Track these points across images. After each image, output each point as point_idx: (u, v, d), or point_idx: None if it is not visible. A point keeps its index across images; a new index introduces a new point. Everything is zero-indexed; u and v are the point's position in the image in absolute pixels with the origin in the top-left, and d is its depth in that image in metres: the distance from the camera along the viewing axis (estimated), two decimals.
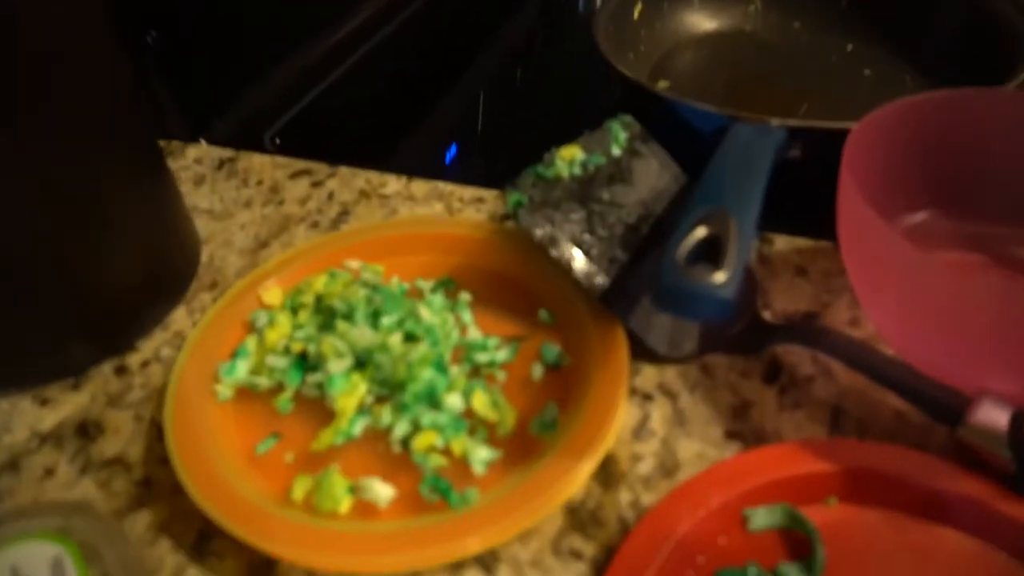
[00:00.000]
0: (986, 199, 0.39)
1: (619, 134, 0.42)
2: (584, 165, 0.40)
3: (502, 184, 0.39)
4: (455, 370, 0.34)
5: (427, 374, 0.33)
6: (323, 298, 0.37)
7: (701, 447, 0.33)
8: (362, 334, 0.34)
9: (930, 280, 0.31)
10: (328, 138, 0.59)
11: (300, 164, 0.52)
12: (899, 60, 0.59)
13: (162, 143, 0.55)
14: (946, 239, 0.40)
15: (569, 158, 0.40)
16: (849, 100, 0.57)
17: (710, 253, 0.29)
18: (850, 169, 0.33)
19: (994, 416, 0.29)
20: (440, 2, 0.77)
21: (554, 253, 0.36)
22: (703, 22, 0.66)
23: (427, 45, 0.73)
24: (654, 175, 0.42)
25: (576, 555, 0.29)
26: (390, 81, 0.68)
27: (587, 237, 0.37)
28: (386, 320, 0.35)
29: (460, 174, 0.52)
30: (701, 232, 0.30)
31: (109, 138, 0.37)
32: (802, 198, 0.39)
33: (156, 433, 0.35)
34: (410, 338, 0.35)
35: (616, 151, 0.41)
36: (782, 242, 0.43)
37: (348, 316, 0.35)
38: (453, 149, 0.61)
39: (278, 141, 0.57)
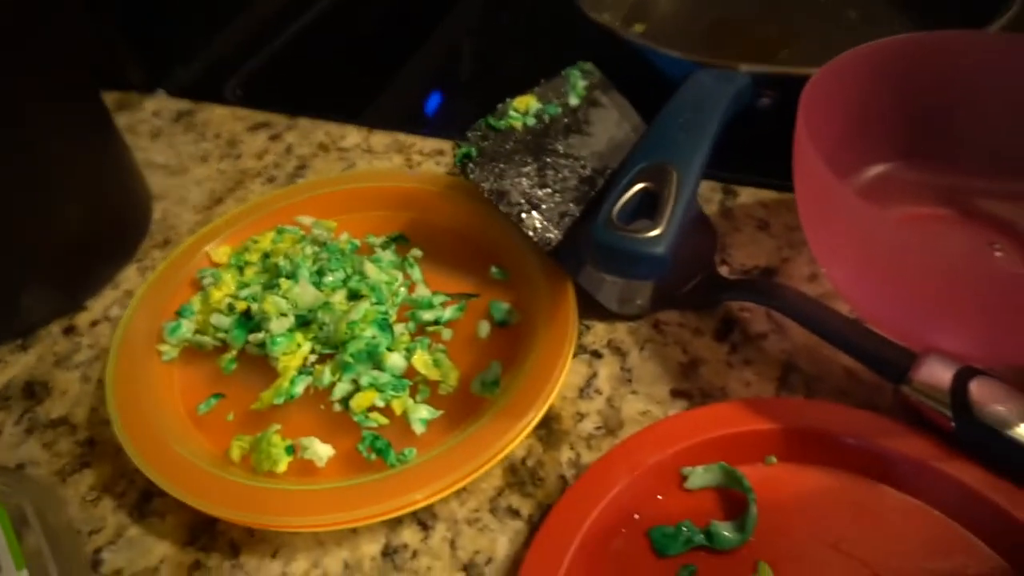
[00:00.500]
0: (958, 150, 0.38)
1: (578, 83, 0.41)
2: (539, 116, 0.39)
3: (451, 131, 0.38)
4: (400, 328, 0.34)
5: (369, 333, 0.32)
6: (270, 256, 0.37)
7: (646, 405, 0.32)
8: (305, 292, 0.33)
9: (881, 237, 0.29)
10: (297, 88, 0.57)
11: (260, 116, 0.51)
12: (888, 1, 0.57)
13: (119, 95, 0.54)
14: (916, 192, 0.39)
15: (523, 108, 0.38)
16: (833, 44, 0.55)
17: (650, 208, 0.28)
18: (806, 122, 0.31)
19: (938, 374, 0.29)
20: None
21: (504, 208, 0.35)
22: None
23: None
24: (613, 125, 0.40)
25: (514, 513, 0.29)
26: (364, 28, 0.66)
27: (539, 191, 0.36)
28: (330, 278, 0.34)
29: (446, 123, 0.51)
30: (639, 187, 0.29)
31: (47, 93, 0.36)
32: (772, 147, 0.38)
33: (103, 394, 0.34)
34: (355, 296, 0.34)
35: (574, 100, 0.40)
36: (747, 194, 0.42)
37: (292, 275, 0.35)
38: (436, 98, 0.59)
39: (240, 92, 0.56)
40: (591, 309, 0.36)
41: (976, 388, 0.28)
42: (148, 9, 0.54)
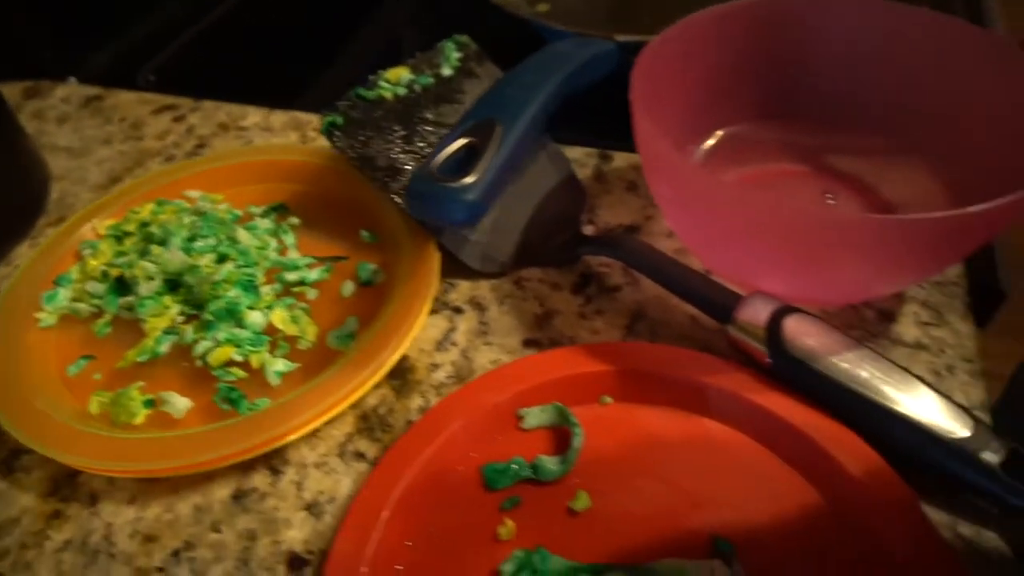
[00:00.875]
0: (804, 110, 0.40)
1: (452, 54, 0.42)
2: (410, 86, 0.40)
3: None
4: (267, 289, 0.35)
5: (232, 293, 0.34)
6: (146, 224, 0.38)
7: (498, 355, 0.34)
8: (173, 257, 0.35)
9: (705, 190, 0.31)
10: (211, 75, 0.58)
11: (167, 100, 0.52)
12: None
13: (29, 83, 0.55)
14: (771, 150, 0.40)
15: (395, 79, 0.40)
16: None
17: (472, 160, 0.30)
18: (639, 90, 0.32)
19: (758, 313, 0.30)
20: None
21: (369, 174, 0.37)
22: None
23: None
24: None
25: (360, 456, 0.31)
26: (292, 11, 0.67)
27: (407, 157, 0.37)
28: (201, 244, 0.36)
29: (296, 93, 0.52)
30: (462, 142, 0.30)
31: None
32: None
33: None
34: (223, 260, 0.36)
35: (447, 71, 0.42)
36: (621, 159, 0.44)
37: (163, 241, 0.36)
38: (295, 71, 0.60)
39: (153, 78, 0.57)
40: (458, 269, 0.37)
41: (790, 324, 0.30)
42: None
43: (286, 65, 0.60)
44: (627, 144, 0.44)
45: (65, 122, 0.51)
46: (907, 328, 0.34)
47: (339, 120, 0.37)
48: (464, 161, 0.30)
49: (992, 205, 0.25)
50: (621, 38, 0.43)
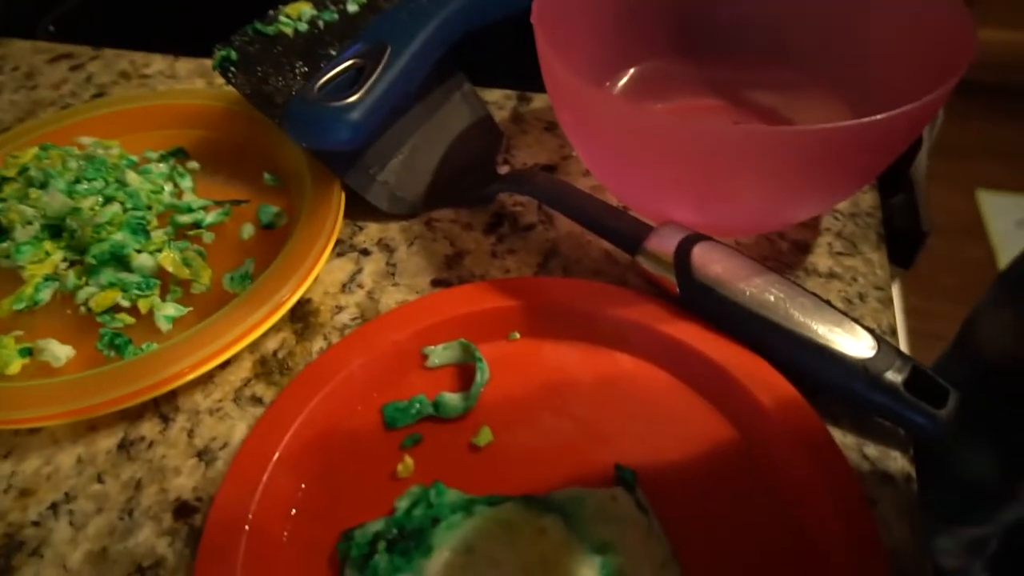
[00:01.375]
0: (724, 46, 0.39)
1: None
2: (312, 22, 0.38)
3: None
4: (159, 234, 0.33)
5: (118, 236, 0.32)
6: (27, 169, 0.35)
7: (405, 296, 0.33)
8: (54, 200, 0.33)
9: (609, 119, 0.30)
10: (116, 25, 0.55)
11: (65, 48, 0.49)
12: None
13: None
14: (685, 87, 0.39)
15: (296, 15, 0.38)
16: None
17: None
18: (541, 20, 0.30)
19: (667, 243, 0.30)
20: None
21: (266, 112, 0.35)
22: None
23: None
24: None
25: (256, 400, 0.29)
26: None
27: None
28: (83, 186, 0.33)
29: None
30: (348, 63, 0.28)
31: None
32: None
33: None
34: (109, 202, 0.33)
35: (353, 8, 0.40)
36: (540, 100, 0.42)
37: (44, 184, 0.34)
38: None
39: (53, 29, 0.54)
40: (368, 211, 0.36)
41: (698, 253, 0.29)
42: None
43: (194, 13, 0.57)
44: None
45: None
46: (821, 258, 0.33)
47: (233, 55, 0.35)
48: (352, 83, 0.28)
49: (885, 116, 0.24)
50: None
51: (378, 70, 0.28)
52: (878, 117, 0.24)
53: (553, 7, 0.31)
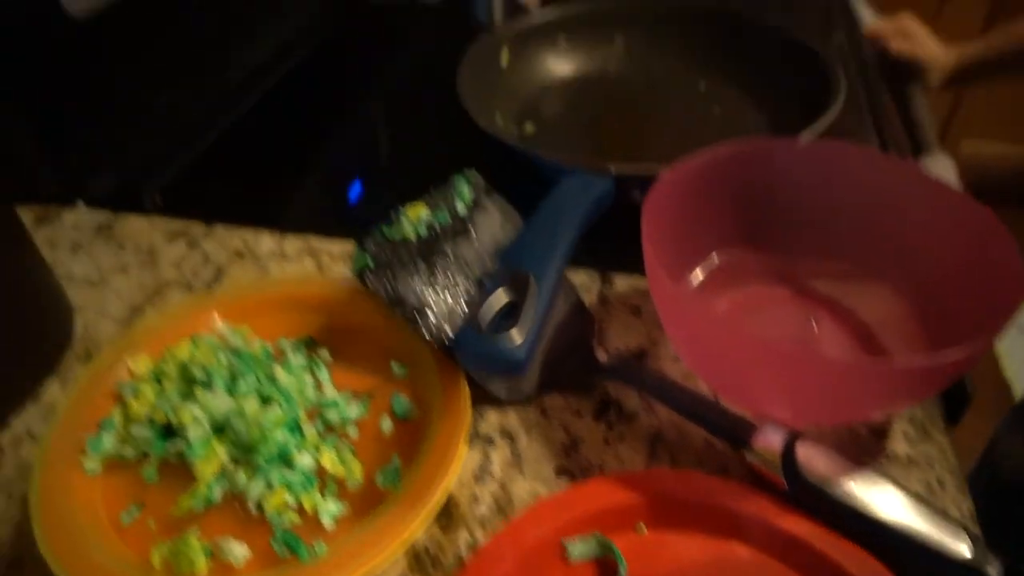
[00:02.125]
0: (785, 237, 0.44)
1: (464, 190, 0.46)
2: (430, 224, 0.43)
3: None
4: (309, 429, 0.37)
5: (279, 435, 0.36)
6: (186, 366, 0.40)
7: (533, 485, 0.36)
8: (219, 400, 0.37)
9: (710, 323, 0.35)
10: (214, 195, 0.61)
11: (177, 225, 0.54)
12: (744, 95, 0.65)
13: (38, 209, 0.56)
14: (756, 274, 0.45)
15: (415, 218, 0.43)
16: (702, 136, 0.62)
17: (513, 312, 0.33)
18: (648, 226, 0.36)
19: (771, 440, 0.34)
20: (318, 55, 0.80)
21: (400, 311, 0.39)
22: (570, 65, 0.70)
23: (309, 96, 0.75)
24: (497, 227, 0.45)
25: None
26: (278, 132, 0.70)
27: (431, 294, 0.40)
28: (243, 385, 0.38)
29: (369, 212, 0.55)
30: (501, 295, 0.33)
31: None
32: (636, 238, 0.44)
33: (28, 511, 0.36)
34: (266, 401, 0.37)
35: (461, 207, 0.45)
36: (622, 283, 0.47)
37: (207, 383, 0.38)
38: (357, 187, 0.63)
39: (159, 200, 0.59)
40: (485, 397, 0.40)
41: (802, 452, 0.34)
42: (62, 122, 0.57)
43: (281, 178, 0.63)
44: (626, 267, 0.48)
45: (79, 250, 0.53)
46: (898, 444, 0.38)
47: (369, 262, 0.40)
48: (505, 311, 0.33)
49: (969, 348, 0.29)
50: (615, 169, 0.48)
51: (530, 304, 0.32)
52: (959, 351, 0.29)
53: (654, 215, 0.37)
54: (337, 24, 0.87)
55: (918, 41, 0.79)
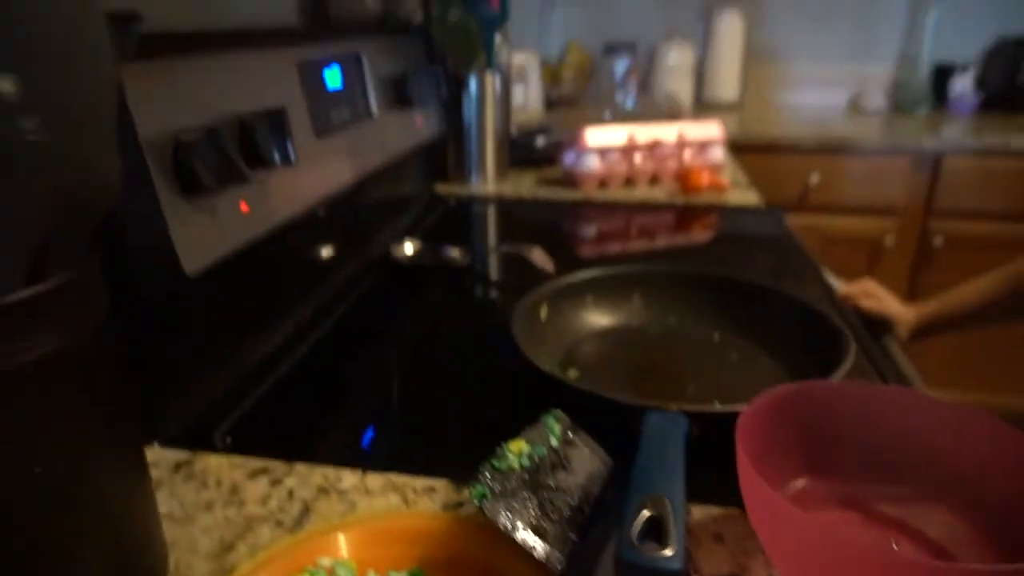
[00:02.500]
0: (851, 465, 0.49)
1: (554, 427, 0.51)
2: (531, 456, 0.47)
3: (435, 469, 0.46)
4: None
5: None
6: None
7: None
8: None
9: (814, 540, 0.38)
10: (283, 433, 0.63)
11: (257, 463, 0.56)
12: (756, 346, 0.74)
13: None
14: (825, 500, 0.49)
15: (518, 451, 0.47)
16: (725, 380, 0.70)
17: (652, 529, 0.36)
18: (743, 446, 0.41)
19: None
20: (363, 302, 0.88)
21: (517, 538, 0.42)
22: (598, 318, 0.79)
23: (352, 343, 0.82)
24: (587, 461, 0.49)
25: None
26: (329, 377, 0.75)
27: (543, 522, 0.43)
28: None
29: (379, 456, 0.58)
30: (645, 515, 0.37)
31: (104, 442, 0.40)
32: (703, 471, 0.48)
33: None
34: None
35: (554, 442, 0.49)
36: (698, 511, 0.51)
37: None
38: (370, 432, 0.67)
39: (229, 440, 0.61)
40: None
41: None
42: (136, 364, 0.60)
43: (335, 420, 0.66)
44: (692, 497, 0.52)
45: (160, 488, 0.53)
46: None
47: (487, 492, 0.43)
48: (644, 532, 0.36)
49: None
50: (675, 407, 0.54)
51: (671, 521, 0.36)
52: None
53: (746, 440, 0.42)
54: (372, 280, 0.96)
55: (883, 300, 0.92)
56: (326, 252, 0.90)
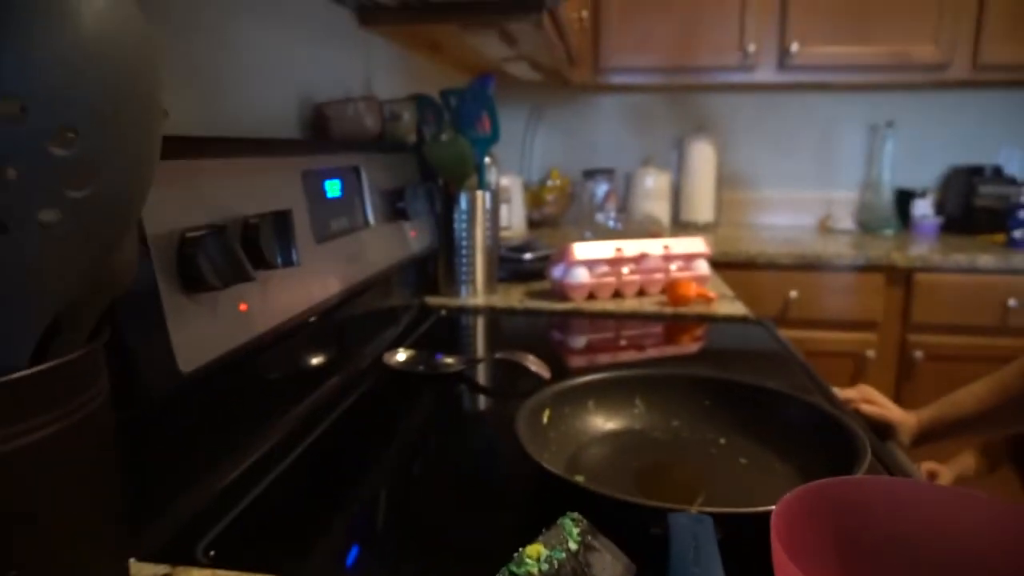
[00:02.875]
0: (883, 561, 0.47)
1: (572, 530, 0.48)
2: (550, 561, 0.44)
3: None
4: None
5: None
6: None
7: None
8: None
9: None
10: (267, 546, 0.59)
11: None
12: (765, 449, 0.72)
13: None
14: None
15: (536, 556, 0.44)
16: (737, 484, 0.68)
17: None
18: (779, 542, 0.39)
19: None
20: (355, 409, 0.86)
21: None
22: (601, 423, 0.77)
23: (341, 452, 0.78)
24: (610, 566, 0.46)
25: None
26: (310, 490, 0.71)
27: None
28: None
29: (372, 571, 0.54)
30: None
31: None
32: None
33: None
34: None
35: (573, 546, 0.46)
36: None
37: None
38: (355, 551, 0.62)
39: (213, 553, 0.57)
40: None
41: None
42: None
43: (318, 534, 0.62)
44: None
45: None
46: None
47: None
48: None
49: None
50: (695, 510, 0.51)
51: None
52: None
53: (782, 530, 0.39)
54: (365, 386, 0.94)
55: (884, 405, 0.91)
56: (318, 358, 0.88)
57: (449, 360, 0.99)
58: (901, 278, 2.04)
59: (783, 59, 2.28)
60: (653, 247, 1.42)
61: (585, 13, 2.13)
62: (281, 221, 0.70)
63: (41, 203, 0.24)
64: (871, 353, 2.07)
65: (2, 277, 0.26)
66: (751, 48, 2.28)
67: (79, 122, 0.23)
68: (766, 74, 2.32)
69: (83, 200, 0.25)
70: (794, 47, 2.25)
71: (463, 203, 1.35)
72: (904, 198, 2.56)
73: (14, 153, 0.22)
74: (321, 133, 1.07)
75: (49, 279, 0.27)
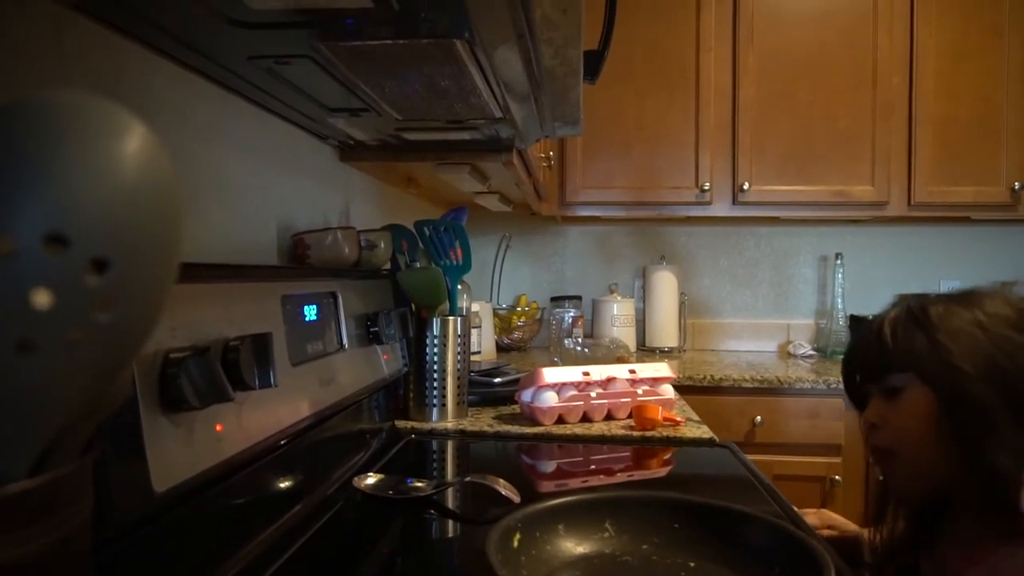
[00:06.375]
0: None
1: None
2: None
3: None
4: None
5: None
6: None
7: None
8: None
9: None
10: None
11: None
12: (734, 572, 0.73)
13: None
14: None
15: None
16: None
17: None
18: None
19: None
20: (323, 533, 0.84)
21: None
22: (572, 546, 0.77)
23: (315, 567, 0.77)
24: None
25: None
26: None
27: None
28: None
29: None
30: None
31: None
32: None
33: None
34: None
35: None
36: None
37: None
38: None
39: None
40: None
41: None
42: None
43: None
44: None
45: None
46: None
47: None
48: None
49: None
50: None
51: None
52: None
53: None
54: (335, 510, 0.92)
55: (843, 527, 0.92)
56: (288, 481, 0.88)
57: (419, 484, 0.99)
58: None
59: (736, 195, 2.45)
60: (620, 371, 1.45)
61: (552, 153, 2.28)
62: (261, 343, 0.72)
63: (70, 325, 0.26)
64: (838, 476, 2.08)
65: (19, 392, 0.28)
66: (706, 185, 2.44)
67: (112, 254, 0.26)
68: (722, 208, 2.47)
69: (107, 324, 0.28)
70: (745, 185, 2.42)
71: (436, 328, 1.39)
72: (857, 325, 2.67)
73: (55, 281, 0.25)
74: (299, 260, 1.11)
75: (63, 396, 0.29)
